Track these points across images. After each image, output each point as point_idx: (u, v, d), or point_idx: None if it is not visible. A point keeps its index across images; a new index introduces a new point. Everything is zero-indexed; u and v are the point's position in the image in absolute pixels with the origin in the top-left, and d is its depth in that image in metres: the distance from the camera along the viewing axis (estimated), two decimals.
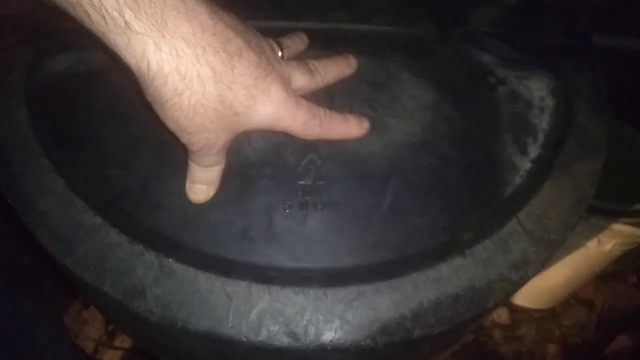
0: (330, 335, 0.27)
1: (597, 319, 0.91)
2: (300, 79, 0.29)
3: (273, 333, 0.27)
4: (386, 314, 0.27)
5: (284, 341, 0.27)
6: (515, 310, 0.91)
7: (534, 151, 0.34)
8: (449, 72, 0.36)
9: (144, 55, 0.22)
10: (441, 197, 0.31)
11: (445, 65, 0.36)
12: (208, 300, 0.27)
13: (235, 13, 0.26)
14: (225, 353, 0.30)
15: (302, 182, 0.30)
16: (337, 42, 0.35)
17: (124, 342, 0.84)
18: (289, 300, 0.27)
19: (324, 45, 0.34)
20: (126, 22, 0.21)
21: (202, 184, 0.29)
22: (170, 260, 0.28)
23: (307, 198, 0.30)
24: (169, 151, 0.31)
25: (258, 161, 0.31)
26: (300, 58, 0.32)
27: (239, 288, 0.27)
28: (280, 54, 0.29)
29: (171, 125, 0.25)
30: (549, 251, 0.30)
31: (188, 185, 0.30)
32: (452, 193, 0.31)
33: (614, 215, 0.65)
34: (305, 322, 0.27)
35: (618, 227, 0.66)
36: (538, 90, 0.36)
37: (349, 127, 0.31)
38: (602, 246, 0.70)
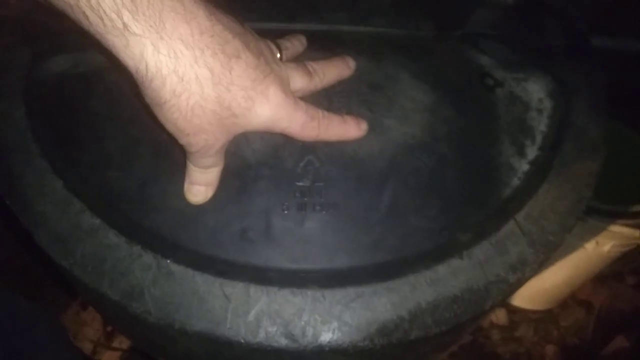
0: (327, 336, 0.27)
1: (595, 319, 0.91)
2: (299, 81, 0.29)
3: (271, 334, 0.27)
4: (384, 314, 0.27)
5: (282, 342, 0.27)
6: (513, 311, 0.92)
7: (531, 152, 0.34)
8: (447, 74, 0.36)
9: (142, 57, 0.22)
10: (439, 198, 0.31)
11: (443, 66, 0.36)
12: (206, 301, 0.27)
13: (233, 14, 0.26)
14: (223, 354, 0.30)
15: (300, 183, 0.30)
16: (336, 43, 0.35)
17: (122, 342, 0.84)
18: (287, 301, 0.27)
19: (322, 46, 0.35)
20: (124, 24, 0.21)
21: (200, 185, 0.29)
22: (168, 261, 0.28)
23: (305, 199, 0.30)
24: (167, 152, 0.31)
25: (256, 162, 0.31)
26: (298, 59, 0.32)
27: (236, 289, 0.28)
28: (278, 55, 0.30)
29: (169, 127, 0.25)
30: (547, 252, 0.30)
31: (186, 186, 0.30)
32: (449, 194, 0.31)
33: (611, 217, 0.66)
34: (302, 323, 0.27)
35: (616, 228, 0.66)
36: (536, 91, 0.36)
37: (347, 129, 0.31)
38: (600, 247, 0.70)
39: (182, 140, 0.26)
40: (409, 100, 0.34)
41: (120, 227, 0.29)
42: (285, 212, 0.30)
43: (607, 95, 0.37)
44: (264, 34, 0.28)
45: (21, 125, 0.32)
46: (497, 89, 0.36)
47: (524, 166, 0.33)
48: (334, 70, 0.32)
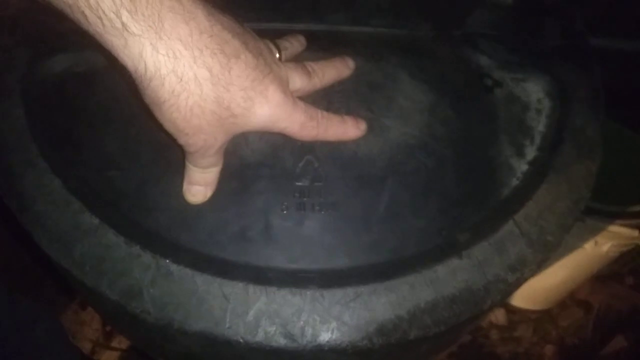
0: (326, 335, 0.27)
1: (594, 319, 0.91)
2: (298, 81, 0.29)
3: (270, 334, 0.27)
4: (383, 314, 0.28)
5: (281, 342, 0.27)
6: (512, 311, 0.92)
7: (530, 153, 0.34)
8: (446, 74, 0.36)
9: (140, 57, 0.22)
10: (438, 199, 0.31)
11: (442, 66, 0.36)
12: (205, 300, 0.27)
13: (232, 14, 0.26)
14: (222, 354, 0.30)
15: (299, 183, 0.30)
16: (335, 43, 0.35)
17: (120, 342, 0.84)
18: (286, 301, 0.27)
19: (322, 46, 0.35)
20: (123, 24, 0.21)
21: (199, 185, 0.29)
22: (167, 261, 0.28)
23: (304, 199, 0.30)
24: (166, 152, 0.31)
25: (255, 162, 0.31)
26: (297, 59, 0.32)
27: (235, 289, 0.28)
28: (277, 55, 0.30)
29: (168, 127, 0.25)
30: (545, 252, 0.30)
31: (185, 186, 0.30)
32: (448, 194, 0.31)
33: (610, 217, 0.66)
34: (301, 322, 0.27)
35: (614, 228, 0.66)
36: (535, 92, 0.36)
37: (346, 129, 0.31)
38: (598, 247, 0.70)
39: (181, 140, 0.26)
40: (408, 101, 0.34)
41: (119, 227, 0.29)
42: (285, 212, 0.30)
43: (607, 95, 0.37)
44: (263, 34, 0.28)
45: (20, 125, 0.32)
46: (496, 89, 0.36)
47: (522, 166, 0.33)
48: (333, 70, 0.32)
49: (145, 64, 0.22)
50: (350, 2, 0.38)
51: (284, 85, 0.27)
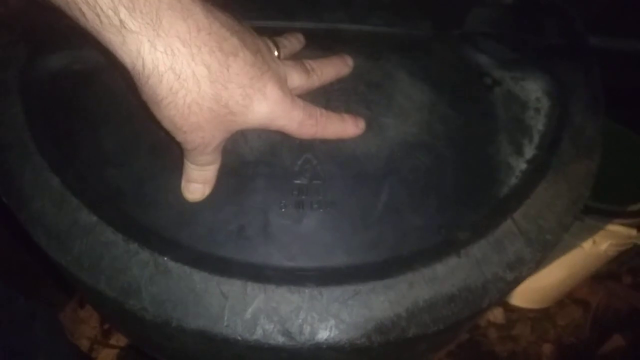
0: (325, 333, 0.27)
1: (592, 318, 0.92)
2: (296, 78, 0.29)
3: (268, 332, 0.27)
4: (381, 312, 0.28)
5: (279, 340, 0.27)
6: (510, 309, 0.92)
7: (529, 151, 0.34)
8: (445, 73, 0.36)
9: (138, 54, 0.22)
10: (436, 197, 0.31)
11: (442, 65, 0.36)
12: (203, 298, 0.27)
13: (231, 12, 0.26)
14: (220, 351, 0.30)
15: (298, 181, 0.30)
16: (334, 41, 0.35)
17: (119, 340, 0.84)
18: (284, 299, 0.27)
19: (321, 45, 0.34)
20: (121, 21, 0.21)
21: (197, 183, 0.29)
22: (165, 258, 0.28)
23: (303, 197, 0.30)
24: (164, 150, 0.31)
25: (254, 160, 0.31)
26: (296, 57, 0.32)
27: (234, 287, 0.27)
28: (276, 53, 0.29)
29: (166, 124, 0.25)
30: (544, 251, 0.30)
31: (183, 183, 0.30)
32: (447, 193, 0.31)
33: (608, 216, 0.66)
34: (300, 320, 0.27)
35: (613, 227, 0.66)
36: (534, 91, 0.36)
37: (344, 127, 0.31)
38: (596, 246, 0.70)
39: (179, 138, 0.26)
40: (407, 99, 0.34)
41: (118, 225, 0.29)
42: (283, 210, 0.30)
43: (606, 95, 0.37)
44: (262, 32, 0.28)
45: (18, 123, 0.32)
46: (495, 88, 0.36)
47: (521, 165, 0.33)
48: (332, 69, 0.32)
49: (143, 61, 0.22)
50: (349, 1, 0.38)
51: (282, 83, 0.27)
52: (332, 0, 0.38)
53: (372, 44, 0.36)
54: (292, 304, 0.27)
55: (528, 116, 0.35)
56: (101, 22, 0.21)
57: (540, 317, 0.92)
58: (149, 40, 0.22)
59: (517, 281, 0.30)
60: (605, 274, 0.93)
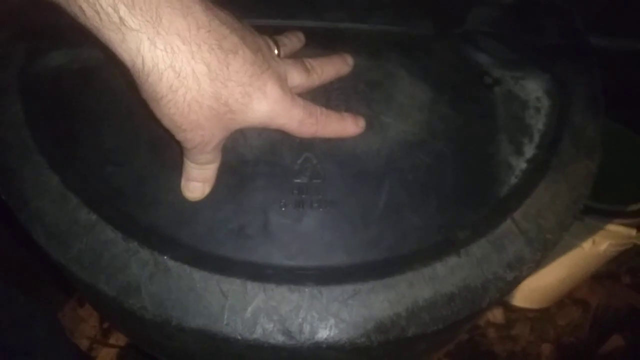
0: (324, 333, 0.27)
1: (591, 318, 0.92)
2: (296, 77, 0.29)
3: (268, 331, 0.27)
4: (381, 312, 0.27)
5: (279, 339, 0.27)
6: (509, 309, 0.92)
7: (529, 151, 0.34)
8: (445, 72, 0.36)
9: (138, 52, 0.22)
10: (437, 196, 0.31)
11: (442, 64, 0.36)
12: (203, 297, 0.27)
13: (230, 10, 0.26)
14: (220, 350, 0.30)
15: (298, 180, 0.30)
16: (334, 40, 0.35)
17: (118, 339, 0.84)
18: (284, 298, 0.27)
19: (321, 43, 0.34)
20: (120, 18, 0.21)
21: (197, 182, 0.29)
22: (165, 257, 0.28)
23: (303, 196, 0.30)
24: (164, 148, 0.31)
25: (254, 159, 0.31)
26: (296, 56, 0.32)
27: (233, 285, 0.27)
28: (276, 51, 0.29)
29: (166, 122, 0.25)
30: (544, 251, 0.30)
31: (183, 182, 0.30)
32: (447, 192, 0.31)
33: (608, 216, 0.66)
34: (300, 319, 0.27)
35: (612, 227, 0.66)
36: (534, 90, 0.36)
37: (344, 126, 0.31)
38: (596, 246, 0.70)
39: (179, 136, 0.26)
40: (407, 98, 0.34)
41: (117, 223, 0.29)
42: (283, 209, 0.30)
43: (606, 95, 0.37)
44: (262, 31, 0.28)
45: (18, 121, 0.32)
46: (496, 87, 0.36)
47: (521, 164, 0.33)
48: (332, 67, 0.32)
49: (143, 59, 0.22)
50: (349, 0, 0.38)
51: (282, 82, 0.27)
52: None
53: (373, 42, 0.36)
54: (292, 303, 0.27)
55: (528, 115, 0.35)
56: (101, 19, 0.21)
57: (540, 317, 0.92)
58: (148, 38, 0.22)
59: (517, 281, 0.30)
60: (605, 274, 0.94)
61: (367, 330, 0.27)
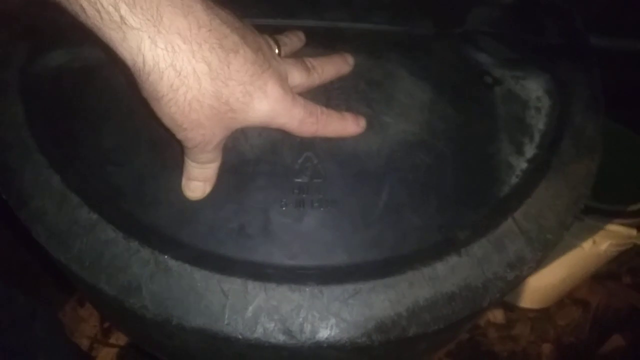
0: (325, 332, 0.27)
1: (592, 318, 0.92)
2: (297, 76, 0.29)
3: (268, 330, 0.27)
4: (382, 311, 0.27)
5: (280, 338, 0.27)
6: (510, 309, 0.92)
7: (529, 151, 0.34)
8: (445, 71, 0.36)
9: (139, 51, 0.22)
10: (437, 196, 0.31)
11: (442, 64, 0.36)
12: (203, 297, 0.27)
13: (231, 9, 0.26)
14: (221, 350, 0.30)
15: (299, 180, 0.30)
16: (335, 40, 0.35)
17: (118, 339, 0.84)
18: (285, 298, 0.27)
19: (321, 43, 0.34)
20: (121, 17, 0.21)
21: (198, 181, 0.29)
22: (166, 256, 0.28)
23: (304, 196, 0.30)
24: (165, 148, 0.31)
25: (254, 158, 0.31)
26: (297, 56, 0.32)
27: (234, 285, 0.27)
28: (276, 50, 0.29)
29: (167, 121, 0.25)
30: (544, 250, 0.30)
31: (184, 181, 0.30)
32: (448, 192, 0.31)
33: (608, 216, 0.66)
34: (300, 319, 0.27)
35: (613, 227, 0.66)
36: (534, 90, 0.36)
37: (345, 125, 0.31)
38: (596, 246, 0.70)
39: (180, 135, 0.26)
40: (407, 98, 0.34)
41: (118, 223, 0.29)
42: (284, 208, 0.30)
43: (606, 95, 0.37)
44: (262, 30, 0.28)
45: (18, 121, 0.32)
46: (496, 87, 0.36)
47: (522, 164, 0.33)
48: (333, 67, 0.32)
49: (143, 58, 0.22)
50: None
51: (283, 81, 0.27)
52: None
53: (373, 42, 0.36)
54: (293, 302, 0.27)
55: (529, 115, 0.35)
56: (102, 18, 0.21)
57: (540, 317, 0.92)
58: (149, 37, 0.22)
59: (518, 280, 0.30)
60: (605, 274, 0.93)
61: (367, 330, 0.27)
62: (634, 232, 0.67)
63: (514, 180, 0.33)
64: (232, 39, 0.24)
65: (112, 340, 0.84)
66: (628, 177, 0.71)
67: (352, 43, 0.35)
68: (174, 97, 0.23)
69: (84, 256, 0.28)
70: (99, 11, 0.21)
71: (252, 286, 0.27)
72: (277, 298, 0.27)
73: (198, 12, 0.23)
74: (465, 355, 0.87)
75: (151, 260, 0.28)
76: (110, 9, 0.21)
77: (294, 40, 0.33)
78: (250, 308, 0.27)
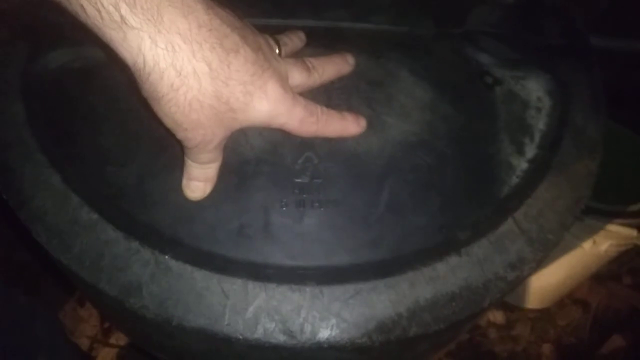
0: (326, 332, 0.27)
1: (592, 319, 0.92)
2: (297, 76, 0.29)
3: (269, 330, 0.27)
4: (382, 311, 0.27)
5: (280, 338, 0.27)
6: (510, 309, 0.92)
7: (530, 151, 0.34)
8: (446, 71, 0.36)
9: (139, 50, 0.22)
10: (438, 196, 0.31)
11: (443, 64, 0.36)
12: (204, 297, 0.27)
13: (232, 9, 0.26)
14: (221, 350, 0.30)
15: (299, 180, 0.30)
16: (335, 40, 0.35)
17: (119, 339, 0.84)
18: (285, 298, 0.27)
19: (322, 43, 0.34)
20: (122, 17, 0.21)
21: (199, 181, 0.29)
22: (167, 256, 0.28)
23: (304, 196, 0.30)
24: (166, 148, 0.31)
25: (255, 158, 0.31)
26: (297, 56, 0.32)
27: (235, 285, 0.27)
28: (277, 50, 0.29)
29: (167, 121, 0.25)
30: (545, 251, 0.30)
31: (184, 182, 0.29)
32: (448, 192, 0.31)
33: (609, 216, 0.66)
34: (301, 319, 0.27)
35: (613, 227, 0.66)
36: (535, 90, 0.36)
37: (346, 125, 0.31)
38: (597, 247, 0.70)
39: (180, 135, 0.26)
40: (408, 98, 0.34)
41: (118, 222, 0.29)
42: (284, 208, 0.30)
43: (607, 95, 0.37)
44: (263, 30, 0.28)
45: (19, 120, 0.32)
46: (497, 87, 0.36)
47: (522, 164, 0.33)
48: (333, 67, 0.32)
49: (144, 58, 0.22)
50: None
51: (283, 81, 0.27)
52: None
53: (374, 42, 0.36)
54: (293, 302, 0.27)
55: (529, 115, 0.35)
56: (102, 18, 0.21)
57: (540, 317, 0.91)
58: (149, 37, 0.22)
59: (518, 281, 0.30)
60: (606, 275, 0.93)
61: (368, 330, 0.27)
62: (634, 232, 0.67)
63: (514, 180, 0.33)
64: (233, 38, 0.24)
65: (112, 341, 0.84)
66: (628, 177, 0.71)
67: (352, 43, 0.35)
68: (174, 97, 0.23)
69: (84, 256, 0.28)
70: (99, 11, 0.21)
71: (253, 286, 0.27)
72: (278, 298, 0.27)
73: (198, 12, 0.23)
74: (466, 355, 0.87)
75: (151, 260, 0.28)
76: (111, 8, 0.21)
77: (295, 40, 0.33)
78: (251, 308, 0.27)
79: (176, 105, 0.23)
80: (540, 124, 0.35)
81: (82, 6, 0.21)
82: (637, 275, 0.96)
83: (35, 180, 0.30)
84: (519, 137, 0.34)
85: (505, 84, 0.36)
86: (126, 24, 0.21)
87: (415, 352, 0.35)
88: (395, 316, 0.27)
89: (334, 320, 0.27)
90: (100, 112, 0.33)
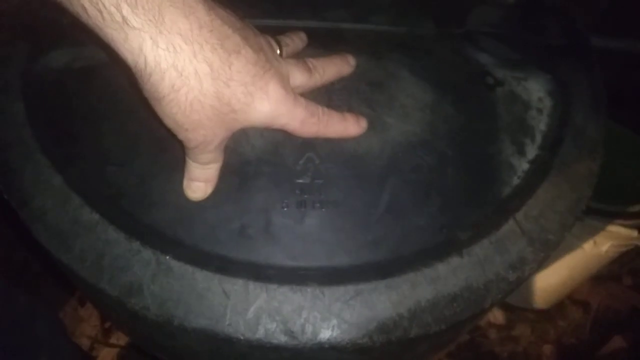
0: (327, 333, 0.27)
1: (592, 319, 0.92)
2: (298, 77, 0.29)
3: (270, 331, 0.27)
4: (383, 312, 0.27)
5: (281, 339, 0.27)
6: (510, 310, 0.92)
7: (531, 151, 0.34)
8: (447, 72, 0.36)
9: (140, 51, 0.22)
10: (439, 197, 0.31)
11: (444, 65, 0.36)
12: (205, 297, 0.27)
13: (233, 10, 0.26)
14: (222, 351, 0.30)
15: (300, 181, 0.30)
16: (336, 40, 0.35)
17: (119, 339, 0.84)
18: (286, 298, 0.27)
19: (323, 43, 0.34)
20: (123, 17, 0.21)
21: (200, 181, 0.29)
22: (168, 257, 0.28)
23: (305, 196, 0.30)
24: (167, 148, 0.31)
25: (256, 159, 0.31)
26: (298, 56, 0.32)
27: (236, 286, 0.27)
28: (278, 51, 0.29)
29: (168, 122, 0.25)
30: (546, 251, 0.30)
31: (185, 182, 0.29)
32: (449, 192, 0.31)
33: (609, 217, 0.66)
34: (302, 320, 0.27)
35: (614, 228, 0.66)
36: (536, 91, 0.36)
37: (346, 126, 0.31)
38: (597, 247, 0.70)
39: (181, 136, 0.26)
40: (409, 98, 0.34)
41: (120, 223, 0.29)
42: (285, 209, 0.30)
43: (607, 95, 0.37)
44: (264, 31, 0.28)
45: (20, 121, 0.32)
46: (498, 87, 0.36)
47: (523, 165, 0.33)
48: (334, 68, 0.32)
49: (145, 58, 0.22)
50: (351, 0, 0.38)
51: (284, 81, 0.27)
52: None
53: (374, 43, 0.36)
54: (294, 303, 0.27)
55: (530, 116, 0.35)
56: (103, 18, 0.21)
57: (541, 317, 0.91)
58: (151, 37, 0.22)
59: (519, 281, 0.30)
60: (606, 275, 0.93)
61: (369, 331, 0.27)
62: (634, 233, 0.67)
63: (515, 180, 0.33)
64: (234, 39, 0.24)
65: (112, 340, 0.84)
66: (629, 178, 0.71)
67: (353, 44, 0.35)
68: (175, 97, 0.23)
69: (85, 256, 0.28)
70: (100, 11, 0.21)
71: (254, 287, 0.27)
72: (279, 299, 0.27)
73: (200, 13, 0.23)
74: (466, 356, 0.87)
75: (153, 261, 0.28)
76: (112, 9, 0.21)
77: (296, 41, 0.33)
78: (252, 309, 0.27)
79: (177, 106, 0.23)
80: (541, 124, 0.35)
81: (83, 7, 0.21)
82: (638, 275, 0.96)
83: (36, 181, 0.30)
84: (520, 138, 0.34)
85: (506, 84, 0.36)
86: (127, 24, 0.21)
87: (416, 352, 0.35)
88: (396, 317, 0.27)
89: (335, 321, 0.27)
90: (100, 112, 0.33)
